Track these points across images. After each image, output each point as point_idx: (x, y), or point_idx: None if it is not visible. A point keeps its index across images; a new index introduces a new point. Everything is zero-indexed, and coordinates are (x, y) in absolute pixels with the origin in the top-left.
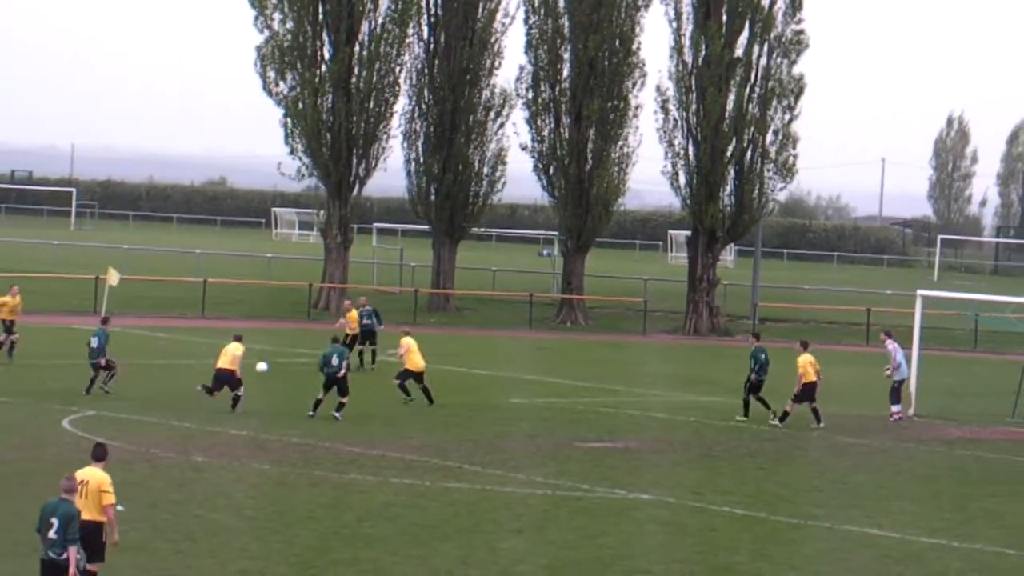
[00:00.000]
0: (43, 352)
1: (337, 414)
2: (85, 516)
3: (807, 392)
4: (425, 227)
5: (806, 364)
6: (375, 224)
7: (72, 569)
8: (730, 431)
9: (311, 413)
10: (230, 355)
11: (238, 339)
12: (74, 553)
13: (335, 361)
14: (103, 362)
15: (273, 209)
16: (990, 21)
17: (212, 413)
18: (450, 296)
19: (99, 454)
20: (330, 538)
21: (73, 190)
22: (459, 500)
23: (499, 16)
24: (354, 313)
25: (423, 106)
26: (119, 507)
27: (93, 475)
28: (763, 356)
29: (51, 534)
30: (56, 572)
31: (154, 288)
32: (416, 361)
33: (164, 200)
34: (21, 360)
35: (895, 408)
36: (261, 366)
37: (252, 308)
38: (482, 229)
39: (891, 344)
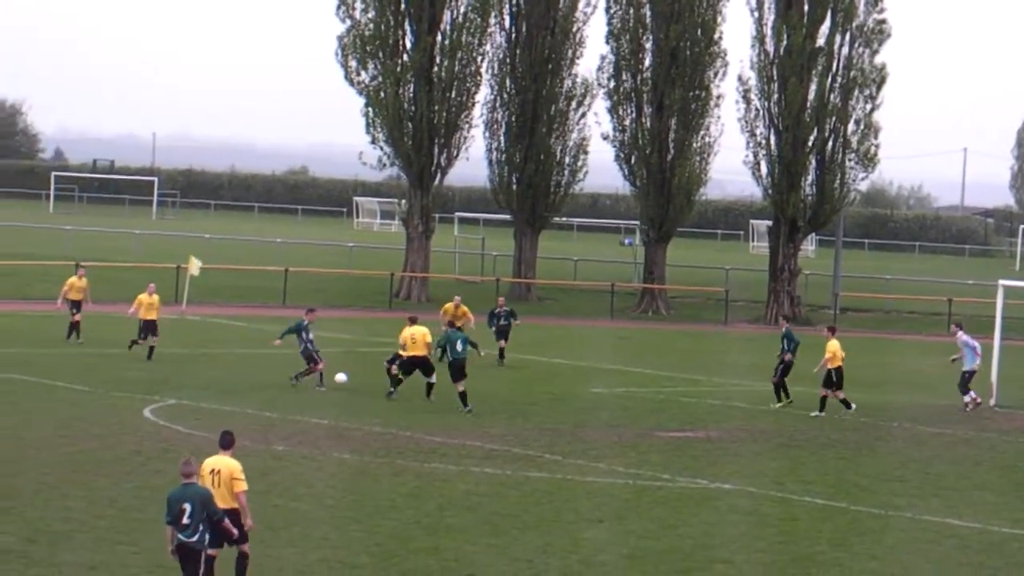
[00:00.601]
0: (123, 341)
1: (466, 407)
2: (220, 504)
3: (837, 377)
4: (507, 216)
5: (835, 350)
6: (457, 213)
7: (235, 532)
8: (811, 421)
9: (465, 408)
10: (420, 340)
11: (414, 320)
12: (229, 525)
13: (460, 347)
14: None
15: (354, 198)
16: None
17: (293, 402)
18: (531, 285)
19: (227, 442)
20: (411, 527)
21: (155, 179)
22: (540, 489)
23: (580, 5)
24: (451, 307)
25: (505, 95)
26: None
27: (224, 463)
28: (796, 338)
29: (184, 519)
30: (191, 554)
31: (235, 277)
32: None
33: (245, 189)
34: (100, 348)
35: (966, 398)
36: (340, 377)
37: (333, 297)
38: (563, 219)
39: (962, 335)
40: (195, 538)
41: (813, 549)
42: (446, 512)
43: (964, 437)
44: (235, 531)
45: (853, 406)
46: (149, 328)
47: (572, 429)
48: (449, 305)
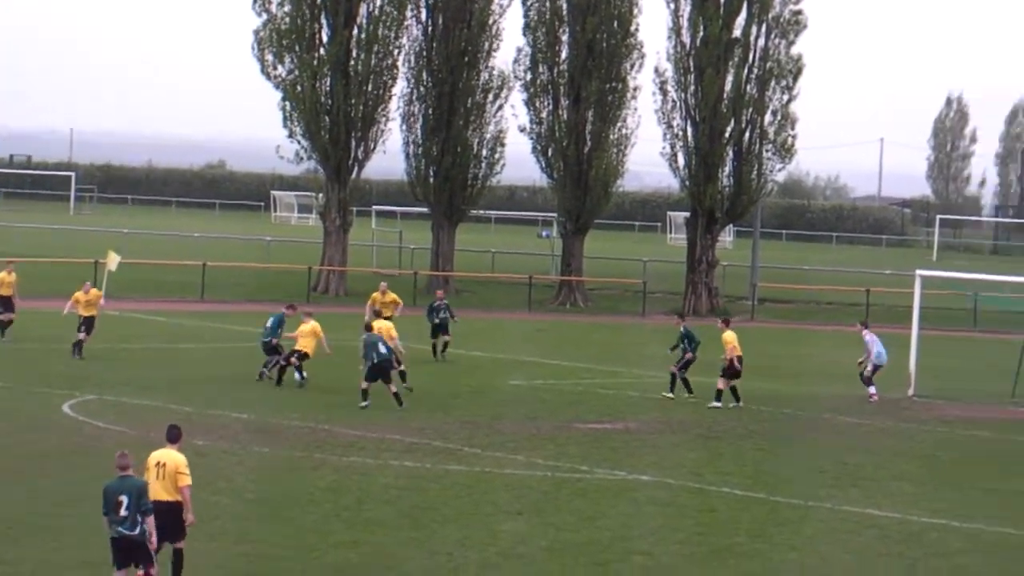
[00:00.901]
0: (41, 336)
1: (402, 405)
2: (164, 497)
3: (735, 369)
4: (424, 209)
5: (732, 341)
6: (374, 207)
7: (153, 537)
8: (729, 412)
9: (364, 404)
10: (384, 335)
11: (379, 315)
12: (152, 523)
13: (382, 348)
14: (274, 342)
15: (272, 192)
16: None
17: (212, 397)
18: (449, 278)
19: (174, 435)
20: (331, 520)
21: (72, 174)
22: (459, 482)
23: None
24: (378, 296)
25: (421, 89)
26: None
27: (170, 457)
28: (697, 337)
29: (122, 511)
30: (130, 546)
31: (153, 272)
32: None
33: (163, 184)
34: (20, 344)
35: (872, 390)
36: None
37: (251, 291)
38: (481, 211)
39: (868, 335)
40: (136, 531)
41: (732, 540)
42: (365, 505)
43: (882, 427)
44: (154, 541)
45: (741, 402)
46: (87, 324)
47: (491, 422)
48: (376, 294)
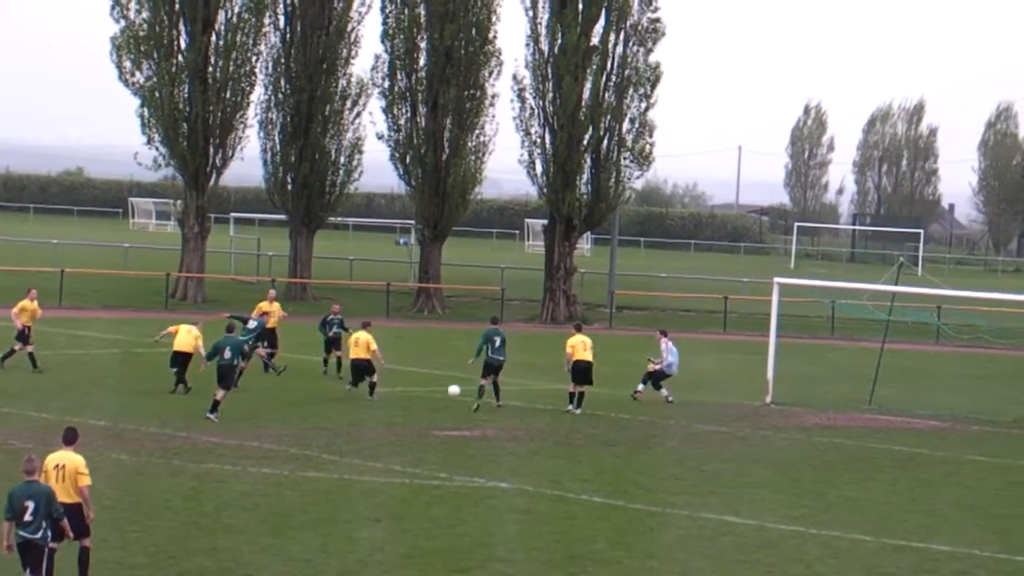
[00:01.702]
0: None
1: (211, 415)
2: (64, 499)
3: (578, 373)
4: (282, 216)
5: (575, 344)
6: (232, 214)
7: (71, 533)
8: (587, 419)
9: (212, 416)
10: (363, 345)
11: (367, 326)
12: (67, 525)
13: (227, 354)
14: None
15: (130, 199)
16: (848, 10)
17: (69, 404)
18: (307, 285)
19: (70, 437)
20: (189, 528)
21: None
22: (317, 489)
23: (355, 5)
24: (265, 304)
25: (280, 95)
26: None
27: (69, 458)
28: (499, 338)
29: (27, 516)
30: (33, 550)
31: (10, 278)
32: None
33: (20, 190)
34: None
35: (640, 387)
36: (454, 389)
37: (109, 298)
38: (339, 218)
39: (664, 343)
40: (38, 535)
41: (591, 547)
42: (224, 512)
43: (740, 435)
44: (71, 533)
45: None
46: (23, 335)
47: (349, 429)
48: (264, 302)
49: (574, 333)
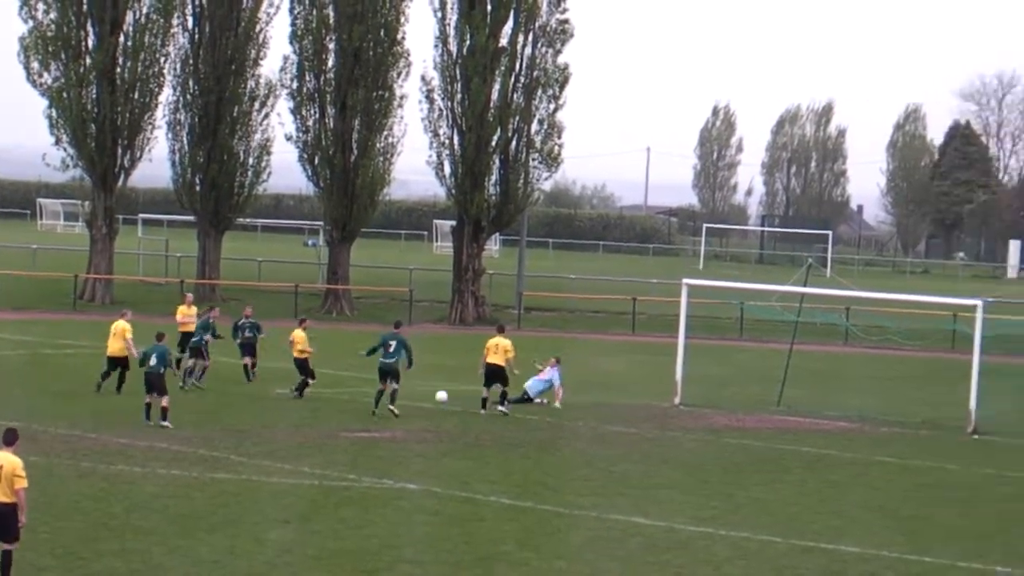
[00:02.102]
0: None
1: (164, 422)
2: (0, 499)
3: (491, 374)
4: (190, 218)
5: (488, 346)
6: (140, 215)
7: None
8: (496, 420)
9: (148, 421)
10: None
11: (302, 323)
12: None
13: (153, 361)
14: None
15: (38, 200)
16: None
17: None
18: (215, 286)
19: (10, 439)
20: (98, 529)
21: None
22: (226, 491)
23: (264, 6)
24: (184, 308)
25: (188, 96)
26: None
27: (7, 459)
28: (393, 342)
29: None
30: None
31: None
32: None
33: None
34: None
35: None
36: (441, 395)
37: (16, 299)
38: (247, 219)
39: (552, 368)
40: None
41: (499, 549)
42: (133, 514)
43: (649, 436)
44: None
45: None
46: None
47: (258, 430)
48: (183, 306)
49: (497, 335)
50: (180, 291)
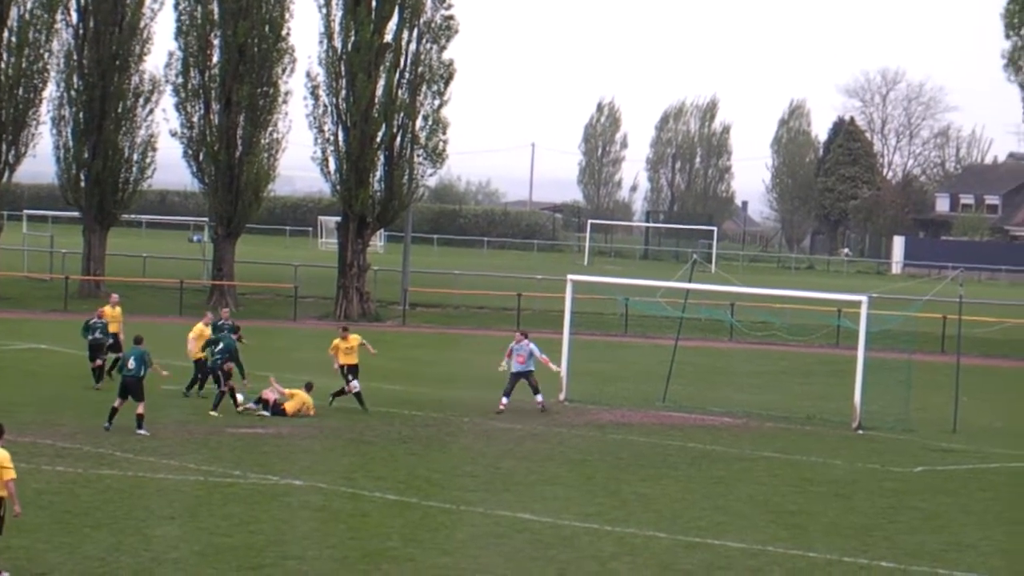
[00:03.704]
0: None
1: (140, 430)
2: None
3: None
4: (76, 214)
5: (341, 347)
6: (25, 211)
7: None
8: (381, 417)
9: (106, 425)
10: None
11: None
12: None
13: (132, 364)
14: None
15: None
16: (640, 7)
17: None
18: (100, 283)
19: None
20: None
21: None
22: (111, 487)
23: (148, 2)
24: (108, 309)
25: (72, 92)
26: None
27: None
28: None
29: None
30: None
31: None
32: None
33: None
34: None
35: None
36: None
37: None
38: (132, 215)
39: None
40: None
41: (384, 544)
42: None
43: (533, 432)
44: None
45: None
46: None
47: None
48: (107, 307)
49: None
50: (64, 288)
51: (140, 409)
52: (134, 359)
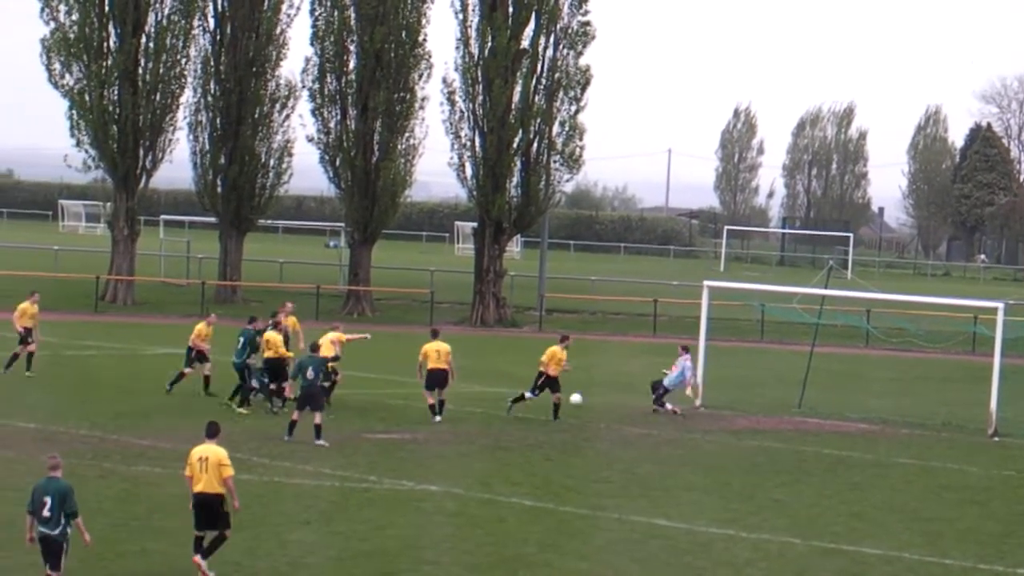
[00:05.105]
0: None
1: (319, 440)
2: (208, 489)
3: (433, 380)
4: (212, 219)
5: (427, 352)
6: (162, 216)
7: (86, 537)
8: (517, 422)
9: (287, 437)
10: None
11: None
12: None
13: (310, 374)
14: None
15: (60, 201)
16: (778, 13)
17: None
18: (237, 288)
19: (213, 431)
20: (119, 530)
21: None
22: (248, 492)
23: (285, 8)
24: (203, 327)
25: (209, 98)
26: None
27: (212, 451)
28: (242, 338)
29: (45, 512)
30: (50, 545)
31: None
32: None
33: None
34: None
35: (669, 406)
36: (575, 398)
37: (40, 300)
38: (269, 221)
39: (683, 359)
40: (56, 531)
41: (522, 550)
42: (154, 515)
43: (669, 438)
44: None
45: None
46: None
47: (280, 431)
48: (201, 325)
49: (430, 339)
50: (201, 293)
51: (318, 419)
52: (312, 368)
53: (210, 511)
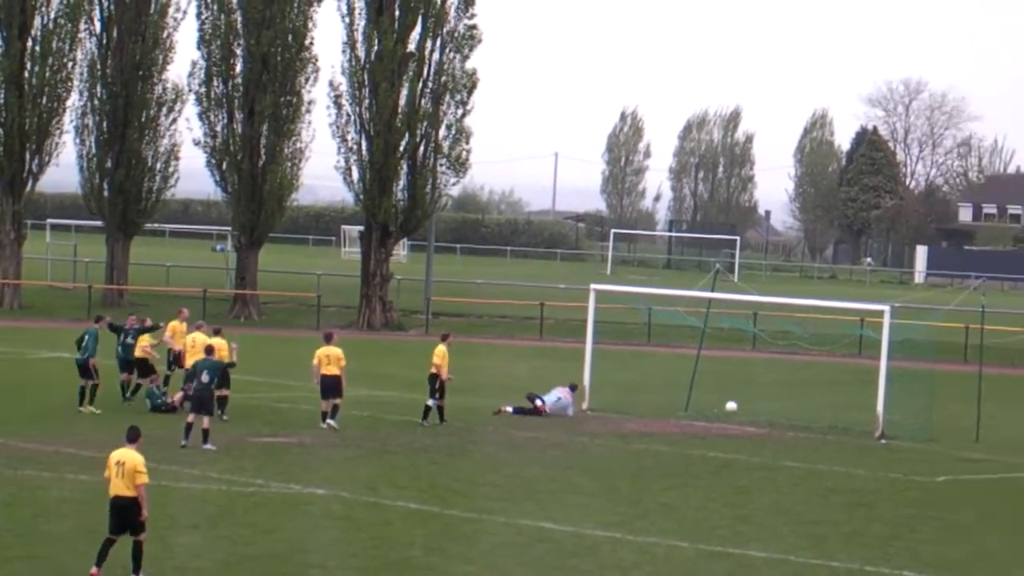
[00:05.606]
0: None
1: (206, 444)
2: (122, 493)
3: (325, 387)
4: (99, 223)
5: (320, 357)
6: (49, 220)
7: None
8: (404, 426)
9: (183, 443)
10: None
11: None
12: None
13: (205, 377)
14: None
15: None
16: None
17: None
18: (124, 292)
19: (133, 436)
20: (5, 535)
21: None
22: None
23: (171, 11)
24: (176, 323)
25: (96, 101)
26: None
27: (129, 456)
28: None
29: None
30: None
31: None
32: None
33: None
34: None
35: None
36: (731, 405)
37: None
38: (156, 224)
39: (563, 392)
40: None
41: (407, 554)
42: (41, 519)
43: (556, 441)
44: None
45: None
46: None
47: (166, 435)
48: (175, 322)
49: (323, 343)
50: (88, 297)
51: (206, 424)
52: (207, 372)
53: (124, 514)
